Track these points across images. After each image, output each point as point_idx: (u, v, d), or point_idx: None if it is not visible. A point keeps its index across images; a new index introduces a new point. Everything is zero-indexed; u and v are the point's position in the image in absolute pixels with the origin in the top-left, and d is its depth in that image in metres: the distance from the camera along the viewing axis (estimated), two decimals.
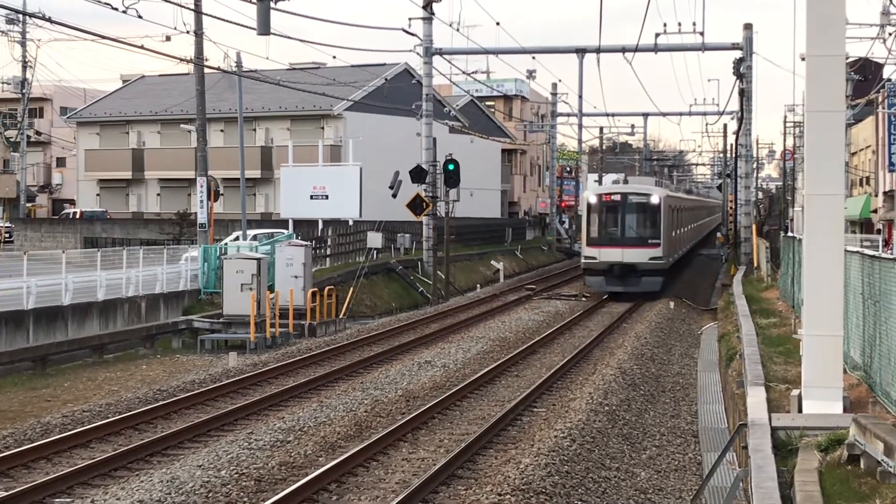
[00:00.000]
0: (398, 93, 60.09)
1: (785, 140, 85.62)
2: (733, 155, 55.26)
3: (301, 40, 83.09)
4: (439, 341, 29.57)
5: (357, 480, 14.70)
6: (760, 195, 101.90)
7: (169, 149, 67.58)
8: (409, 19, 45.58)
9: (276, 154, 62.18)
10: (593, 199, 41.88)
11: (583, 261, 42.02)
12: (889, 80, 42.06)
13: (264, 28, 27.46)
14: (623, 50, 45.72)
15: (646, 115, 76.22)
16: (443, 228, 45.04)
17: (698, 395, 22.07)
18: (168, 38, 41.75)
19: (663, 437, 17.86)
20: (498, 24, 50.68)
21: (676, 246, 46.45)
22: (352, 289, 37.97)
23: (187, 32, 35.00)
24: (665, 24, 52.41)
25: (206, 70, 38.90)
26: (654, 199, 41.21)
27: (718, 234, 69.12)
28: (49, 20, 30.12)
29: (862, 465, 11.66)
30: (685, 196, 58.79)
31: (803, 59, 15.23)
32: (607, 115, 71.24)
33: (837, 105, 14.71)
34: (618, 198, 41.49)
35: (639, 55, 45.12)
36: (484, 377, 22.57)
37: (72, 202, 75.73)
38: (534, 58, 55.02)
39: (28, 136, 73.61)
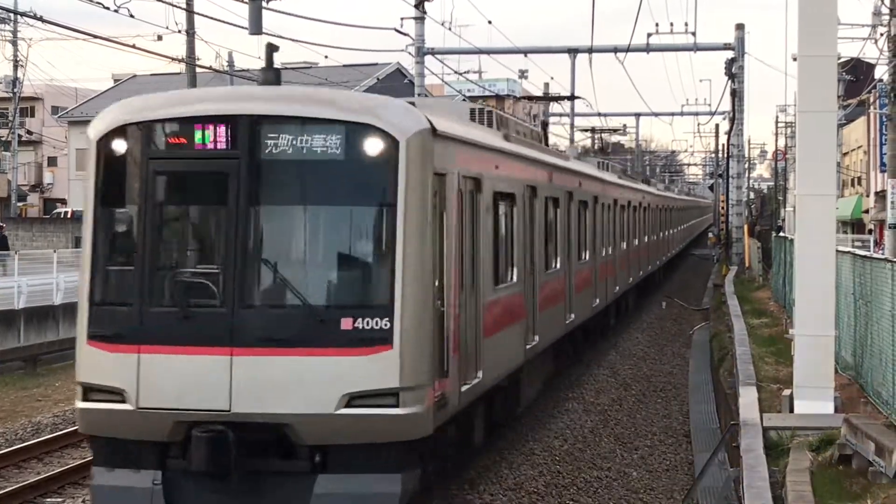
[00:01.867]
0: (390, 92, 59.40)
1: (777, 140, 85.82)
2: (725, 155, 55.36)
3: (293, 40, 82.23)
4: None
5: None
6: (752, 195, 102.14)
7: None
8: (401, 19, 45.29)
9: None
10: (121, 146, 10.71)
11: (79, 404, 10.61)
12: (881, 80, 42.10)
13: (256, 27, 27.38)
14: (615, 50, 45.65)
15: (637, 115, 76.03)
16: None
17: (690, 395, 22.07)
18: (160, 38, 41.50)
19: (655, 437, 17.84)
20: (490, 22, 50.57)
21: (548, 318, 17.80)
22: None
23: (179, 32, 34.93)
24: (657, 25, 52.43)
25: (198, 70, 38.79)
26: (373, 146, 10.50)
27: (710, 235, 69.21)
28: (40, 19, 30.12)
29: (853, 465, 11.69)
30: (601, 177, 26.07)
31: (795, 60, 15.25)
32: (599, 115, 71.21)
33: (829, 105, 14.74)
34: (217, 140, 10.60)
35: (631, 55, 45.02)
36: None
37: (63, 202, 75.56)
38: (526, 56, 54.82)
39: (19, 136, 73.40)
